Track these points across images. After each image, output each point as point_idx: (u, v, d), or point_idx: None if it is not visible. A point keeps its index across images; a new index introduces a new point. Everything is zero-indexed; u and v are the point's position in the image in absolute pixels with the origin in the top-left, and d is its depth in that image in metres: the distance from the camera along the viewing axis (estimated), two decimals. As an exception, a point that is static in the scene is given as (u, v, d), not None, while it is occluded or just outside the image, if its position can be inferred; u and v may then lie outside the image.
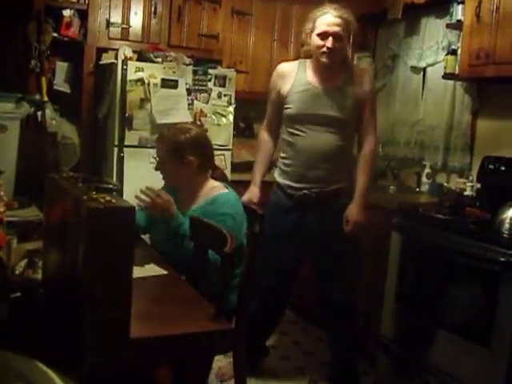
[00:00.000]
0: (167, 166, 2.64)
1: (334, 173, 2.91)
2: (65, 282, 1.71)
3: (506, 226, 2.61)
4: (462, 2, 3.34)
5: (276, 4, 4.61)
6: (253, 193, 3.04)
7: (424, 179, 3.85)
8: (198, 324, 1.83)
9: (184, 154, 2.60)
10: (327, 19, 2.82)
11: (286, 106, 2.95)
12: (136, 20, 4.14)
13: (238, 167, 4.27)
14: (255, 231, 2.53)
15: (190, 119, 3.90)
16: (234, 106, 4.10)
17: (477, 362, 2.55)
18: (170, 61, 3.90)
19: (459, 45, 3.45)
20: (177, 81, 3.88)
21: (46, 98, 3.83)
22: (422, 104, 4.05)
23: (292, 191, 2.94)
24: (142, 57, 3.89)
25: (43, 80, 3.86)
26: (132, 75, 3.76)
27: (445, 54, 3.64)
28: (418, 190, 3.89)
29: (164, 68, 3.85)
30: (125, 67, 3.74)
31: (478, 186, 3.30)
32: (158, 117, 3.80)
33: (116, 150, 3.79)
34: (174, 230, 2.49)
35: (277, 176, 3.03)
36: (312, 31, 2.86)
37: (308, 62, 2.97)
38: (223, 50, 4.44)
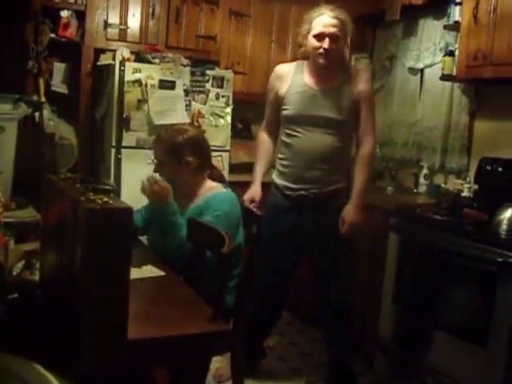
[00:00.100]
0: (166, 168, 2.64)
1: (331, 173, 2.91)
2: (62, 283, 1.71)
3: (504, 226, 2.61)
4: (460, 3, 3.35)
5: (274, 5, 4.61)
6: (255, 191, 3.03)
7: (421, 180, 3.85)
8: (195, 325, 1.83)
9: (182, 154, 2.60)
10: (323, 20, 2.82)
11: (284, 107, 2.95)
12: (134, 21, 4.14)
13: (236, 168, 4.27)
14: (253, 232, 2.53)
15: (188, 120, 3.90)
16: (231, 107, 4.10)
17: (474, 362, 2.55)
18: (168, 62, 3.90)
19: (457, 46, 3.46)
20: (174, 82, 3.88)
21: (43, 99, 3.82)
22: (420, 105, 4.05)
23: (290, 192, 2.94)
24: (139, 58, 3.89)
25: (41, 81, 3.85)
26: (129, 76, 3.75)
27: (442, 55, 3.65)
28: (415, 190, 3.89)
29: (162, 69, 3.85)
30: (122, 68, 3.73)
31: (476, 187, 3.31)
32: (156, 118, 3.80)
33: (113, 150, 3.78)
34: (169, 218, 2.49)
35: (275, 177, 3.04)
36: (308, 32, 2.86)
37: (305, 63, 2.98)
38: (221, 51, 4.44)
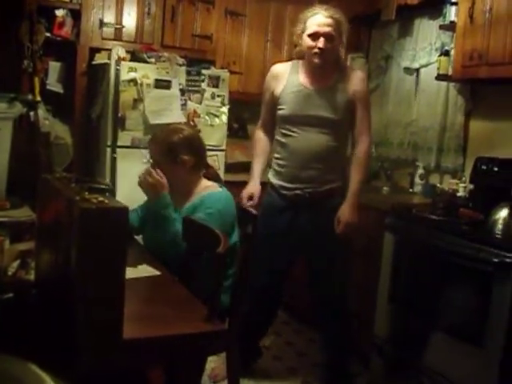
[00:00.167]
0: (162, 167, 2.64)
1: (327, 173, 2.91)
2: (57, 283, 1.70)
3: (499, 226, 2.62)
4: (455, 3, 3.35)
5: (269, 5, 4.61)
6: (254, 188, 3.03)
7: (417, 180, 3.86)
8: (190, 325, 1.83)
9: (178, 153, 2.60)
10: (318, 20, 2.82)
11: (279, 106, 2.95)
12: (129, 20, 4.13)
13: (232, 168, 4.27)
14: (248, 232, 2.53)
15: (184, 120, 3.89)
16: (227, 106, 4.09)
17: (470, 362, 2.56)
18: (164, 61, 3.90)
19: (452, 46, 3.47)
20: (170, 81, 3.87)
21: (38, 98, 3.82)
22: (416, 105, 4.06)
23: (285, 191, 2.94)
24: (135, 57, 3.88)
25: (36, 80, 3.84)
26: (125, 75, 3.74)
27: (438, 55, 3.65)
28: (411, 190, 3.90)
29: (157, 68, 3.84)
30: (118, 67, 3.73)
31: (471, 186, 3.31)
32: (151, 117, 3.79)
33: (109, 150, 3.78)
34: (161, 212, 2.50)
35: (270, 177, 3.04)
36: (303, 32, 2.86)
37: (301, 62, 2.98)
38: (217, 51, 4.44)
